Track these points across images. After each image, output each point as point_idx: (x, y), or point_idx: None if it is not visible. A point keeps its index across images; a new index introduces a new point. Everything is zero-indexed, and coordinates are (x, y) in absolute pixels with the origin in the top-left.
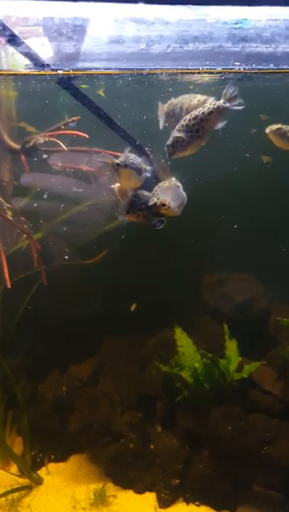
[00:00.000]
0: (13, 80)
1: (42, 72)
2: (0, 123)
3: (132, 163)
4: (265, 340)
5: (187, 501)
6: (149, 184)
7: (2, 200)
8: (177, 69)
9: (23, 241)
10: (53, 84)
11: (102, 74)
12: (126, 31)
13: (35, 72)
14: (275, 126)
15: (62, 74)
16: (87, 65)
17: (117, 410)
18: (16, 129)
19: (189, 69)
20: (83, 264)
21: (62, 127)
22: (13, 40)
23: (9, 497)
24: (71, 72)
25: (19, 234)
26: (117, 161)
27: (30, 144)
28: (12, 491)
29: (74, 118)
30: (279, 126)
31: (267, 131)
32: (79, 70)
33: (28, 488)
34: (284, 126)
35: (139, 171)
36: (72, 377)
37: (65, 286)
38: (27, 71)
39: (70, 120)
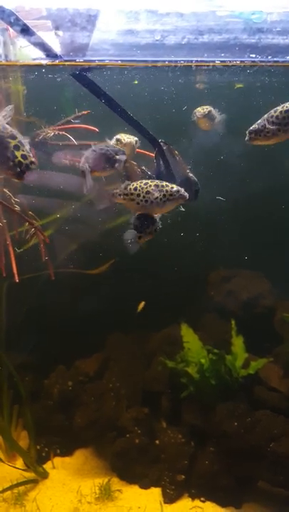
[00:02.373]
0: (23, 73)
1: (56, 63)
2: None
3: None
4: (271, 337)
5: (192, 497)
6: (162, 177)
7: (10, 194)
8: (192, 61)
9: (32, 237)
10: (61, 77)
11: (116, 66)
12: (140, 22)
13: (49, 63)
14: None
15: (76, 65)
16: (99, 56)
17: (122, 405)
18: (24, 122)
19: (204, 61)
20: (89, 262)
21: (72, 121)
22: (26, 30)
23: (15, 491)
24: (85, 63)
25: (28, 229)
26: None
27: (40, 137)
28: (18, 484)
29: (84, 112)
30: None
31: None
32: (92, 61)
33: (34, 482)
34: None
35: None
36: (77, 372)
37: (72, 282)
38: (40, 61)
39: (79, 114)
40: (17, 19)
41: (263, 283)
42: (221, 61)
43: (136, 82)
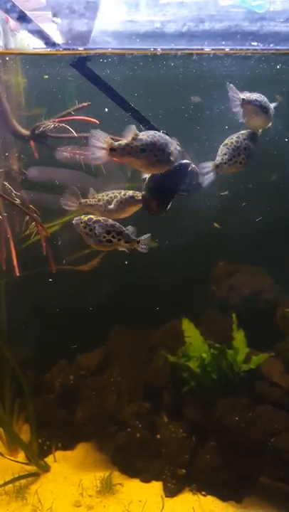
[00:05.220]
0: (22, 64)
1: (54, 52)
2: (9, 108)
3: (256, 100)
4: (272, 332)
5: (193, 491)
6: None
7: (11, 187)
8: (192, 49)
9: (34, 232)
10: (62, 68)
11: (115, 54)
12: (140, 10)
13: (47, 52)
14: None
15: (74, 53)
16: (99, 45)
17: (124, 400)
18: (25, 115)
19: (204, 49)
20: (92, 256)
21: (73, 113)
22: (22, 17)
23: (16, 484)
24: (83, 51)
25: (28, 222)
26: (243, 96)
27: (40, 129)
28: (19, 477)
29: (84, 104)
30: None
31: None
32: (91, 49)
33: (35, 476)
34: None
35: (264, 108)
36: (79, 367)
37: (74, 277)
38: (38, 50)
39: (80, 106)
40: (13, 6)
41: (265, 278)
42: (221, 49)
43: None
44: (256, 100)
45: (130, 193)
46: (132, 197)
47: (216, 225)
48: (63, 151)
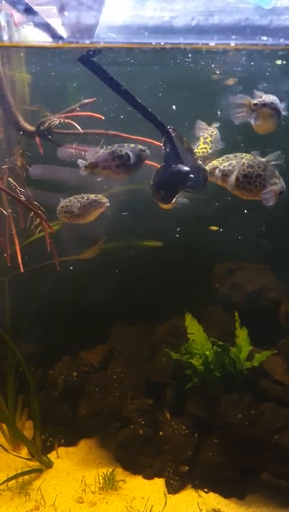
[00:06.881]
0: (27, 59)
1: (59, 45)
2: (14, 105)
3: (272, 103)
4: (275, 330)
5: (196, 488)
6: (171, 165)
7: (15, 184)
8: (202, 44)
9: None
10: (67, 62)
11: (122, 47)
12: (148, 2)
13: (52, 45)
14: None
15: (81, 47)
16: (105, 39)
17: (126, 396)
18: (30, 111)
19: (212, 44)
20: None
21: (78, 109)
22: (29, 10)
23: (19, 480)
24: (90, 45)
25: (32, 218)
26: (255, 101)
27: (45, 125)
28: (22, 473)
29: (89, 99)
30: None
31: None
32: (98, 43)
33: (38, 472)
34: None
35: (277, 112)
36: (82, 363)
37: (77, 272)
38: (43, 44)
39: (85, 102)
40: None
41: (268, 276)
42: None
43: None
44: (272, 103)
45: (92, 196)
46: (95, 200)
47: (213, 228)
48: (66, 147)
